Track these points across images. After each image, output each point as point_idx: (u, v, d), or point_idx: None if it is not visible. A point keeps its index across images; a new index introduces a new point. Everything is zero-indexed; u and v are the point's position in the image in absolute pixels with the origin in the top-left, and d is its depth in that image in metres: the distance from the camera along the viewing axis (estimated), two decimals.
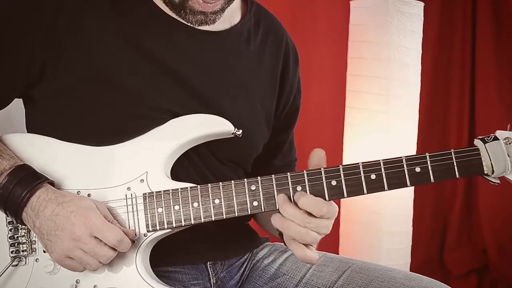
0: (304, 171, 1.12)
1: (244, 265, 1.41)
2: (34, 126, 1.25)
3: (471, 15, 3.15)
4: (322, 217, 1.09)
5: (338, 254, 1.47)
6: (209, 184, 1.13)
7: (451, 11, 3.15)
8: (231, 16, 1.30)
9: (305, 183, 1.11)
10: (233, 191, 1.12)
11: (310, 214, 1.09)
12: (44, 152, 1.17)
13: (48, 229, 1.08)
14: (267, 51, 1.36)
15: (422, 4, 2.36)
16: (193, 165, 1.24)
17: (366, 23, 2.36)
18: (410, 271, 1.41)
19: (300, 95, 1.47)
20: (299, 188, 1.11)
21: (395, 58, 2.31)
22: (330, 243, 2.62)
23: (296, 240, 1.10)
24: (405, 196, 2.42)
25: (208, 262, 1.33)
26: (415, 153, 2.38)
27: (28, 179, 1.10)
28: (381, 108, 2.34)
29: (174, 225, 1.13)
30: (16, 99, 1.25)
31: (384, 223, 2.37)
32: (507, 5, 3.07)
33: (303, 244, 1.11)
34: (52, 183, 1.13)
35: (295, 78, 1.44)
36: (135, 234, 1.13)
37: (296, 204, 1.09)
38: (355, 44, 2.43)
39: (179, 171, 1.20)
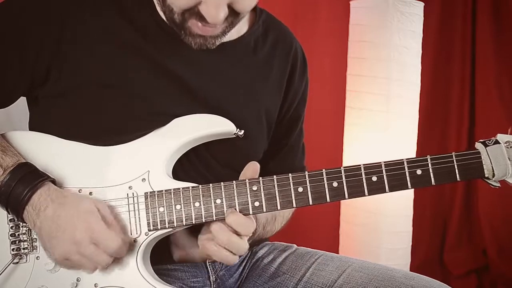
0: (306, 172, 1.12)
1: (244, 264, 1.41)
2: (37, 125, 1.25)
3: (471, 15, 3.16)
4: (247, 236, 1.11)
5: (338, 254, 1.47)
6: (211, 184, 1.13)
7: (451, 11, 3.16)
8: (238, 28, 1.27)
9: (306, 184, 1.11)
10: (235, 191, 1.13)
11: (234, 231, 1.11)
12: (46, 150, 1.17)
13: (48, 230, 1.08)
14: (275, 60, 1.35)
15: (422, 4, 2.36)
16: (194, 169, 1.25)
17: (366, 23, 2.36)
18: (410, 271, 1.41)
19: (304, 105, 1.46)
20: (300, 189, 1.11)
21: (395, 58, 2.31)
22: (330, 243, 2.62)
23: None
24: (405, 196, 2.42)
25: (207, 260, 1.33)
26: (415, 153, 2.40)
27: (30, 177, 1.10)
28: (381, 108, 2.34)
29: (175, 225, 1.13)
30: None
31: (384, 223, 2.38)
32: (507, 5, 3.07)
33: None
34: (54, 181, 1.13)
35: (300, 86, 1.42)
36: (134, 241, 1.13)
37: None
38: (355, 44, 2.44)
39: (179, 172, 1.20)
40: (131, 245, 1.13)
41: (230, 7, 1.10)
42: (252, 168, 1.15)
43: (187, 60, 1.23)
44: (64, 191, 1.13)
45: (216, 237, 1.11)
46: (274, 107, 1.37)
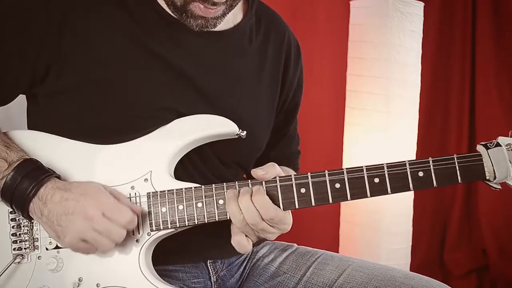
0: (309, 173, 1.12)
1: (244, 264, 1.42)
2: (37, 123, 1.25)
3: (471, 15, 3.15)
4: (270, 221, 1.10)
5: None
6: (213, 185, 1.14)
7: (451, 11, 3.15)
8: (234, 16, 1.30)
9: (309, 185, 1.12)
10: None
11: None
12: (49, 149, 1.17)
13: (57, 214, 1.08)
14: (269, 49, 1.36)
15: (422, 4, 2.36)
16: (195, 167, 1.25)
17: (366, 23, 2.36)
18: (410, 271, 1.41)
19: (300, 91, 1.47)
20: (303, 190, 1.12)
21: (395, 58, 2.31)
22: (330, 243, 2.62)
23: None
24: (405, 196, 2.42)
25: (208, 261, 1.33)
26: (415, 153, 2.40)
27: (36, 172, 1.10)
28: (381, 108, 2.34)
29: (177, 225, 1.13)
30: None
31: (384, 223, 2.38)
32: (507, 5, 3.07)
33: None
34: (58, 177, 1.14)
35: (295, 74, 1.43)
36: (136, 241, 1.14)
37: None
38: (355, 44, 2.44)
39: (181, 172, 1.20)
40: (133, 245, 1.13)
41: None
42: (274, 172, 1.14)
43: (187, 51, 1.23)
44: (69, 181, 1.14)
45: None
46: (273, 96, 1.37)
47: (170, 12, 1.22)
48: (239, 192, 1.12)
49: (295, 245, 1.45)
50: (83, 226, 1.07)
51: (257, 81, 1.33)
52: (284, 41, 1.40)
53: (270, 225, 1.11)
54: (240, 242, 1.13)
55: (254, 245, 1.25)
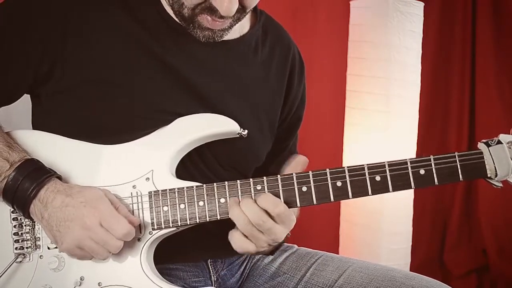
0: (310, 172, 1.13)
1: (245, 264, 1.42)
2: (40, 123, 1.25)
3: (471, 15, 3.16)
4: (278, 216, 1.09)
5: (338, 254, 1.48)
6: (215, 183, 1.14)
7: (451, 11, 3.16)
8: (241, 27, 1.29)
9: (310, 183, 1.12)
10: (239, 190, 1.13)
11: (267, 213, 1.09)
12: (51, 149, 1.18)
13: (57, 220, 1.08)
14: (274, 61, 1.36)
15: (422, 4, 2.37)
16: (195, 167, 1.25)
17: (366, 23, 2.37)
18: (410, 271, 1.41)
19: (303, 105, 1.47)
20: (304, 188, 1.12)
21: (395, 58, 2.31)
22: (330, 243, 2.63)
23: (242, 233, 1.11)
24: (405, 196, 2.43)
25: (209, 260, 1.33)
26: (415, 153, 2.40)
27: (37, 173, 1.11)
28: (381, 108, 2.35)
29: (179, 224, 1.13)
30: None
31: (384, 223, 2.38)
32: (507, 5, 3.07)
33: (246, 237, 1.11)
34: (60, 178, 1.14)
35: (299, 88, 1.43)
36: (138, 240, 1.14)
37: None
38: (355, 44, 2.44)
39: (181, 172, 1.20)
40: (135, 244, 1.13)
41: (239, 3, 1.13)
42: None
43: (191, 57, 1.23)
44: (70, 184, 1.14)
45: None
46: (275, 108, 1.37)
47: (174, 17, 1.22)
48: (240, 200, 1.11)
49: (296, 246, 1.45)
50: (81, 235, 1.07)
51: (260, 91, 1.33)
52: (289, 56, 1.41)
53: (277, 223, 1.10)
54: (240, 239, 1.11)
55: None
